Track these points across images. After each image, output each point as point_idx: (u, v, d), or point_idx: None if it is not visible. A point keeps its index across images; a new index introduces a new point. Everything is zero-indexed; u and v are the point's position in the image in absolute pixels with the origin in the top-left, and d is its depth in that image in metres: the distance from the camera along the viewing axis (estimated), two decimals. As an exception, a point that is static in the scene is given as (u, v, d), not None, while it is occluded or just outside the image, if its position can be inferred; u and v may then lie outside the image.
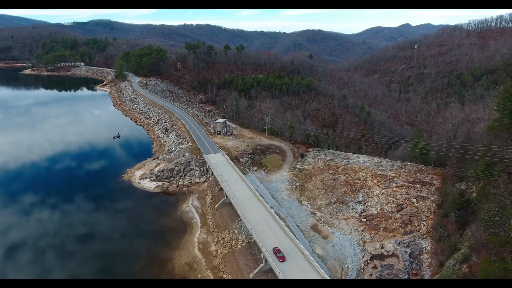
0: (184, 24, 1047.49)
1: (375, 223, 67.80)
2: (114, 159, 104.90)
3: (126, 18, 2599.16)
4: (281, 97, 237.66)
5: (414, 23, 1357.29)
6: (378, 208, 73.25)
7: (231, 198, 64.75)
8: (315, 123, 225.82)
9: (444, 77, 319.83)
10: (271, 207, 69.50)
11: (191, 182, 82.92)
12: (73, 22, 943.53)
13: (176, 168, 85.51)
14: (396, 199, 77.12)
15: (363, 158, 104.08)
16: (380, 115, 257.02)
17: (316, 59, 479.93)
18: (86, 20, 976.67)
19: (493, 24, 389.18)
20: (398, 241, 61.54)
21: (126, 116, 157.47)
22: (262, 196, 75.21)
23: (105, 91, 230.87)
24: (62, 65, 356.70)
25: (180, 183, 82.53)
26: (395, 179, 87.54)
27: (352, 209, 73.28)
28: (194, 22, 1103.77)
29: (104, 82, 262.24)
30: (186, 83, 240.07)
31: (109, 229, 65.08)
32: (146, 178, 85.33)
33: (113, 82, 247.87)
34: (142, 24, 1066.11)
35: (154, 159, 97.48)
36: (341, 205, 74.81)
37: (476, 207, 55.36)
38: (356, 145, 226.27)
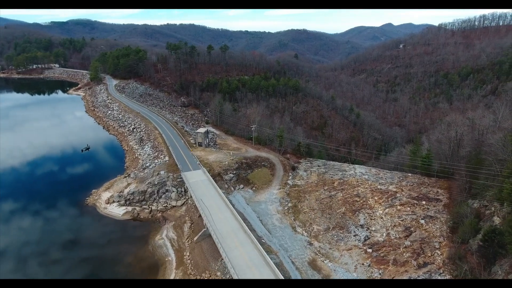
0: (168, 24, 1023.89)
1: (382, 254, 58.04)
2: (80, 177, 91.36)
3: (108, 18, 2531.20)
4: (268, 99, 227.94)
5: (396, 22, 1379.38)
6: (384, 234, 63.60)
7: (212, 232, 53.56)
8: (304, 126, 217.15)
9: (431, 76, 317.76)
10: (260, 238, 58.81)
11: (166, 206, 71.11)
12: (51, 22, 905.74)
13: (149, 189, 73.52)
14: (402, 220, 67.67)
15: (359, 169, 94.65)
16: (369, 116, 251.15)
17: (302, 59, 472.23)
18: (65, 20, 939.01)
19: (476, 23, 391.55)
20: (412, 279, 51.87)
21: (99, 123, 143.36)
22: (250, 222, 64.51)
23: (78, 95, 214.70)
24: (34, 67, 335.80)
25: (153, 208, 70.60)
26: (397, 194, 78.20)
27: (354, 235, 63.35)
28: (178, 22, 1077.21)
29: (79, 85, 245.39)
30: (167, 85, 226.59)
31: (57, 277, 52.15)
32: (113, 202, 72.97)
33: (88, 85, 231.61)
34: (124, 24, 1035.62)
35: (125, 177, 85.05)
36: (341, 231, 64.79)
37: (506, 241, 46.34)
38: (346, 148, 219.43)
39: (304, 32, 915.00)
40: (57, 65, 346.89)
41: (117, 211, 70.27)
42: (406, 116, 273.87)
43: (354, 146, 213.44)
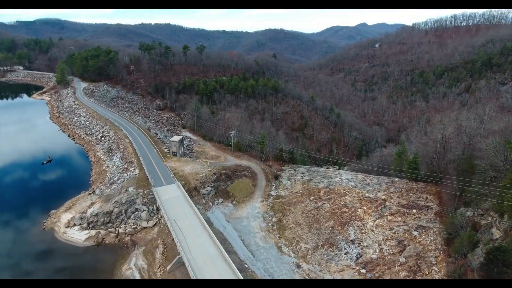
0: (142, 23, 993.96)
1: (377, 275, 53.03)
2: (39, 195, 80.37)
3: (79, 17, 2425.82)
4: (247, 101, 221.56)
5: (370, 22, 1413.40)
6: (377, 250, 58.75)
7: (187, 262, 46.38)
8: (284, 127, 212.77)
9: (407, 75, 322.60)
10: (243, 262, 52.27)
11: (136, 228, 62.84)
12: (16, 21, 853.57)
13: (116, 210, 64.95)
14: (394, 233, 63.24)
15: (345, 175, 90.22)
16: (349, 116, 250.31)
17: (280, 58, 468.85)
18: (32, 19, 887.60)
19: (448, 23, 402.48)
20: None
21: (63, 131, 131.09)
22: (230, 243, 57.82)
23: (43, 99, 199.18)
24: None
25: (120, 230, 62.15)
26: (387, 203, 73.99)
27: (345, 253, 58.05)
28: (153, 21, 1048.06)
29: (44, 89, 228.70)
30: (141, 88, 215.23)
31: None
32: (74, 225, 63.94)
33: (54, 89, 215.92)
34: (96, 24, 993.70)
35: (90, 193, 75.84)
36: (331, 249, 59.32)
37: (513, 259, 42.33)
38: (328, 148, 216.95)
39: (281, 32, 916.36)
40: (21, 67, 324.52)
41: (78, 236, 61.36)
42: (385, 115, 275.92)
43: (335, 147, 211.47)
